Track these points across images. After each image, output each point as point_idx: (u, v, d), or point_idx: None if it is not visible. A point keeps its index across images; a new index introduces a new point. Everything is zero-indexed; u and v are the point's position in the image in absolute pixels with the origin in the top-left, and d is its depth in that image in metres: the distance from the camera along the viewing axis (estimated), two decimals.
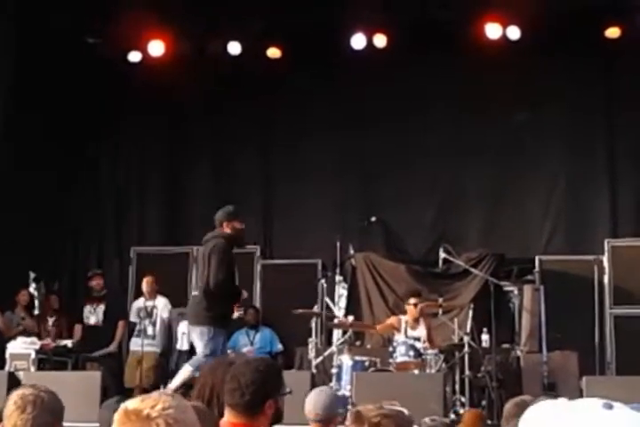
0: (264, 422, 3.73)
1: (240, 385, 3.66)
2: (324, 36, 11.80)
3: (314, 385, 7.99)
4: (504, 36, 11.63)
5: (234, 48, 12.14)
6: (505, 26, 11.59)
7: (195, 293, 8.98)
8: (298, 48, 12.05)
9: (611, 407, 1.47)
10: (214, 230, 8.74)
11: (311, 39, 11.81)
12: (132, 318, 11.13)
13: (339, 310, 11.13)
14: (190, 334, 8.88)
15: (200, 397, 3.93)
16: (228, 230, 8.65)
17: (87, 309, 11.18)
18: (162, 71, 11.97)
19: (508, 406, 4.35)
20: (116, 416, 2.11)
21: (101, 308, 11.16)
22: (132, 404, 2.11)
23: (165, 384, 10.47)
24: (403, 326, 10.01)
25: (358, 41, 11.91)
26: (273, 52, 12.29)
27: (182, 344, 10.65)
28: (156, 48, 12.14)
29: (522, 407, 4.12)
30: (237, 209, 8.88)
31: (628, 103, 12.10)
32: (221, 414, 3.76)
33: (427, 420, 5.38)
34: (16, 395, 3.43)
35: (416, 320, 10.14)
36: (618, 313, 10.76)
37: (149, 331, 10.91)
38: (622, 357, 10.49)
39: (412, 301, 9.77)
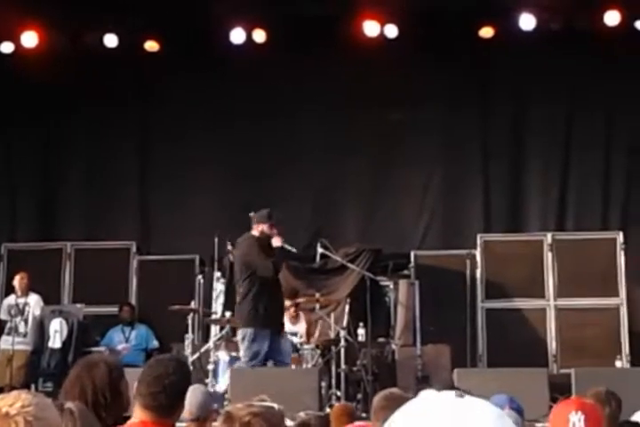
0: (176, 419, 3.75)
1: (164, 387, 3.64)
2: (203, 29, 11.72)
3: None
4: (382, 34, 11.77)
5: (110, 41, 11.93)
6: (383, 24, 11.73)
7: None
8: (176, 42, 11.93)
9: (462, 396, 1.51)
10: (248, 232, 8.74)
11: (190, 33, 11.71)
12: (3, 315, 10.84)
13: (217, 307, 11.08)
14: None
15: (79, 398, 3.84)
16: (256, 232, 8.62)
17: None
18: (35, 63, 11.67)
19: (377, 398, 4.41)
20: None
21: None
22: None
23: (36, 383, 10.24)
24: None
25: (237, 35, 11.87)
26: (151, 46, 12.12)
27: (54, 342, 10.42)
28: (30, 39, 11.82)
29: (390, 400, 4.18)
30: (271, 213, 8.82)
31: (501, 103, 12.43)
32: (110, 413, 3.69)
33: (301, 414, 5.43)
34: None
35: (296, 316, 10.21)
36: (489, 306, 11.02)
37: (21, 329, 10.65)
38: (493, 349, 10.76)
39: (287, 303, 9.92)
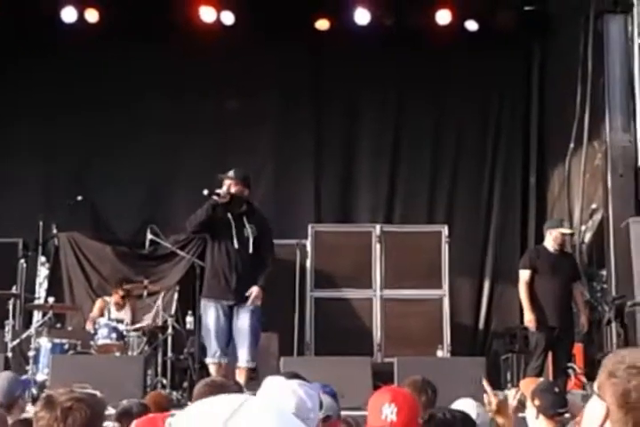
0: None
1: None
2: (34, 6, 11.32)
3: (8, 368, 7.69)
4: (218, 21, 11.68)
5: None
6: (219, 10, 11.64)
7: None
8: (6, 15, 11.48)
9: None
10: None
11: (21, 10, 11.29)
12: None
13: (41, 292, 10.76)
14: None
15: None
16: None
17: None
18: None
19: (198, 386, 4.39)
20: None
21: None
22: None
23: None
24: (108, 307, 9.87)
25: (69, 15, 11.52)
26: None
27: None
28: None
29: (211, 387, 4.16)
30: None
31: (334, 93, 12.57)
32: None
33: (124, 402, 5.34)
34: None
35: (122, 302, 10.03)
36: (318, 296, 11.12)
37: None
38: (321, 338, 10.87)
39: (121, 293, 9.73)
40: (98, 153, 12.04)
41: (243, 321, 8.18)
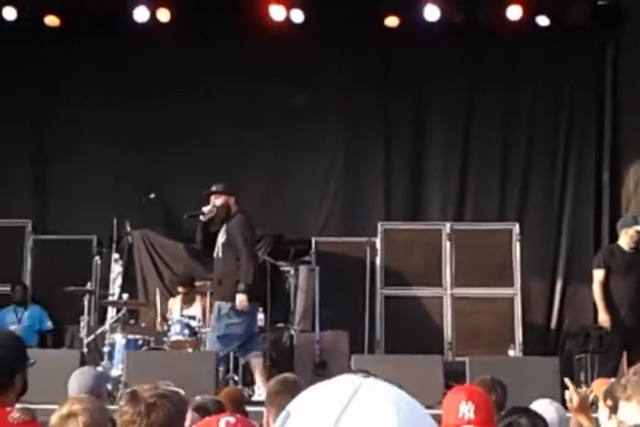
0: (12, 398, 3.61)
1: None
2: (106, 6, 11.47)
3: (83, 364, 7.82)
4: (288, 18, 11.72)
5: (9, 13, 11.57)
6: (288, 8, 11.69)
7: None
8: (77, 17, 11.66)
9: (366, 377, 1.49)
10: None
11: (91, 9, 11.45)
12: None
13: (114, 288, 10.91)
14: None
15: None
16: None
17: None
18: None
19: (271, 383, 4.41)
20: None
21: None
22: None
23: None
24: (177, 305, 9.97)
25: (141, 14, 11.66)
26: (51, 20, 11.80)
27: None
28: None
29: (285, 385, 4.18)
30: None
31: (404, 91, 12.53)
32: None
33: (197, 398, 5.38)
34: None
35: (192, 299, 10.12)
36: (388, 294, 11.10)
37: None
38: (391, 336, 10.84)
39: (181, 290, 9.82)
40: (170, 151, 12.16)
41: None
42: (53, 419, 3.14)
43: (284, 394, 3.92)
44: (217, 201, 8.78)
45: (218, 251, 8.77)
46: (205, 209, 8.75)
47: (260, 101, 12.22)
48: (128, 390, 3.23)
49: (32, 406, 3.90)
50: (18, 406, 3.62)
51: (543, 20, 11.88)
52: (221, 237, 8.72)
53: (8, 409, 3.53)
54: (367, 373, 1.55)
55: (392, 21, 11.97)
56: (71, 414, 3.09)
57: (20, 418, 3.46)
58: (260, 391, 8.33)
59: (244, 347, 8.76)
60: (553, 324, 11.85)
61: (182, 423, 3.30)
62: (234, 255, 8.72)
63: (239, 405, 5.69)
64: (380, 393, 1.45)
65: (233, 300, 8.49)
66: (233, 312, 8.62)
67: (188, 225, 12.11)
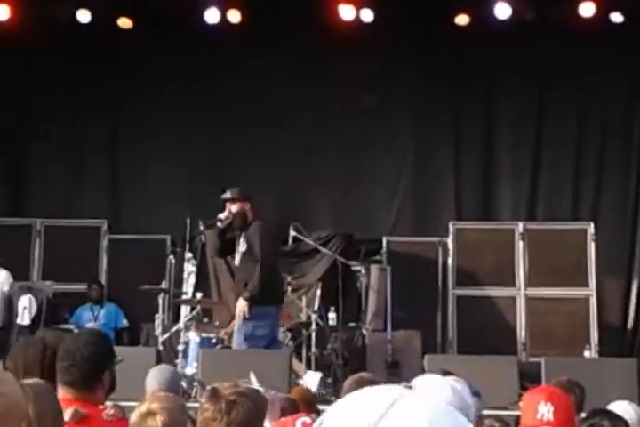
0: (101, 395, 3.67)
1: (76, 361, 3.57)
2: (177, 8, 11.60)
3: (159, 362, 7.90)
4: (357, 18, 11.72)
5: (83, 16, 11.77)
6: (358, 8, 11.68)
7: None
8: (149, 19, 11.81)
9: (411, 388, 1.47)
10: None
11: (163, 11, 11.59)
12: None
13: (187, 287, 11.03)
14: None
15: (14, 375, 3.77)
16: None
17: None
18: (7, 37, 11.48)
19: (347, 383, 4.41)
20: None
21: None
22: None
23: (4, 359, 10.13)
24: None
25: (212, 15, 11.77)
26: (124, 22, 11.97)
27: (23, 319, 10.32)
28: (1, 13, 11.62)
29: (360, 384, 4.17)
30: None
31: (474, 90, 12.45)
32: None
33: None
34: None
35: None
36: (460, 294, 11.04)
37: None
38: (463, 336, 10.79)
39: None
40: (241, 152, 12.25)
41: None
42: (133, 417, 3.19)
43: None
44: (232, 207, 8.68)
45: (237, 259, 8.73)
46: (222, 216, 8.71)
47: (330, 102, 12.24)
48: (209, 387, 3.27)
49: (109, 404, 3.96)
50: (108, 403, 3.69)
51: (617, 17, 11.69)
52: (242, 247, 8.68)
53: (101, 407, 3.59)
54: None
55: (462, 20, 11.89)
56: (150, 413, 3.13)
57: (114, 415, 3.52)
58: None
59: (268, 348, 8.80)
60: (629, 324, 11.66)
61: (262, 422, 3.32)
62: (251, 263, 8.74)
63: (311, 404, 5.70)
64: (417, 407, 1.40)
65: (258, 303, 8.51)
66: (259, 315, 8.63)
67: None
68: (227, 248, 8.81)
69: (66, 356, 3.61)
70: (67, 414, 3.33)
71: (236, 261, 8.76)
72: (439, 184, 12.36)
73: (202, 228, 10.25)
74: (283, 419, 4.00)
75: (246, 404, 3.05)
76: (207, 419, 3.08)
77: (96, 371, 3.60)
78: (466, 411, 2.95)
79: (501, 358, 8.84)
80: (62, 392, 3.57)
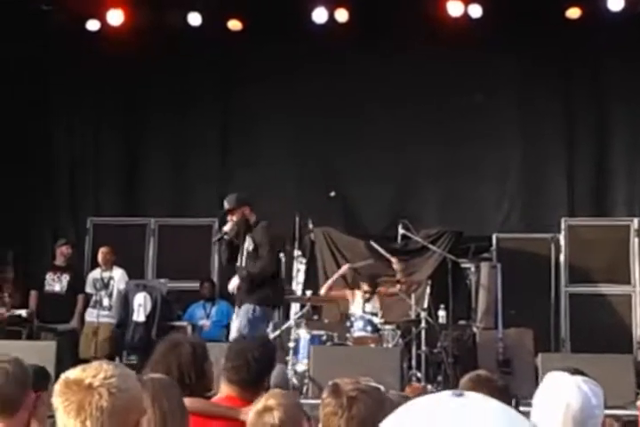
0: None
1: (247, 361, 3.66)
2: (286, 9, 11.69)
3: None
4: (465, 14, 11.61)
5: (194, 19, 12.00)
6: (466, 3, 11.58)
7: None
8: (259, 21, 11.94)
9: (461, 395, 1.46)
10: None
11: (272, 12, 11.70)
12: (88, 288, 11.03)
13: (297, 285, 11.11)
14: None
15: (165, 374, 3.87)
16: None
17: (49, 276, 11.02)
18: (120, 41, 11.79)
19: (464, 380, 4.33)
20: (57, 387, 2.06)
21: (65, 277, 11.04)
22: (72, 373, 2.07)
23: (120, 356, 10.44)
24: (359, 301, 10.00)
25: (320, 15, 11.83)
26: (234, 24, 12.15)
27: (139, 316, 10.60)
28: (115, 17, 11.93)
29: (477, 382, 4.10)
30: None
31: (584, 86, 12.20)
32: (195, 392, 3.69)
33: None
34: None
35: (372, 296, 10.16)
36: (573, 291, 10.84)
37: (105, 302, 10.82)
38: (576, 334, 10.59)
39: (366, 288, 9.83)
40: (349, 150, 12.28)
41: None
42: (250, 414, 3.24)
43: (476, 392, 3.86)
44: (234, 217, 8.65)
45: (243, 259, 8.69)
46: (226, 229, 8.70)
47: (439, 98, 12.16)
48: (330, 382, 3.28)
49: None
50: None
51: None
52: (250, 245, 8.66)
53: None
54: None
55: (574, 13, 11.67)
56: (267, 409, 3.18)
57: None
58: None
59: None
60: None
61: (382, 419, 3.30)
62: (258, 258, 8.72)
63: None
64: (477, 415, 1.39)
65: (261, 303, 8.49)
66: (260, 315, 8.61)
67: (369, 222, 12.25)
68: (235, 255, 8.79)
69: (237, 357, 3.71)
70: (247, 414, 3.44)
71: (243, 262, 8.66)
72: (550, 179, 12.16)
73: (311, 226, 10.33)
74: None
75: (367, 400, 3.06)
76: (329, 413, 3.10)
77: (263, 373, 3.70)
78: (589, 411, 2.88)
79: (617, 357, 8.64)
80: (226, 390, 3.68)
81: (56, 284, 11.01)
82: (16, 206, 12.19)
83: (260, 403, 3.22)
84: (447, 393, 1.48)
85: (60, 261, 11.17)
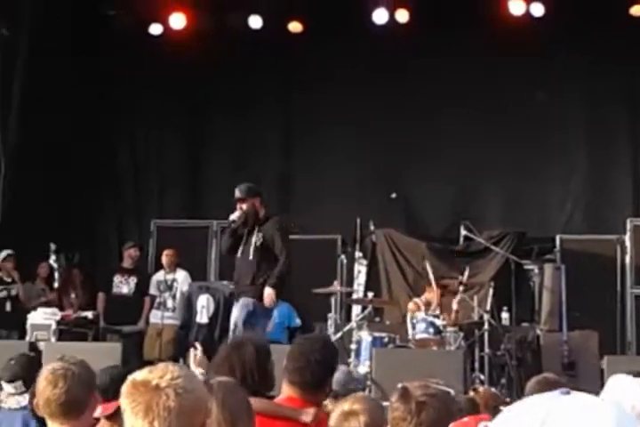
0: (322, 399, 3.76)
1: (310, 363, 3.68)
2: (346, 10, 11.70)
3: None
4: (527, 13, 11.51)
5: (255, 22, 12.07)
6: (528, 2, 11.47)
7: None
8: (319, 22, 11.97)
9: (568, 393, 1.45)
10: None
11: (333, 14, 11.72)
12: (152, 290, 11.16)
13: (358, 287, 11.09)
14: None
15: (229, 375, 3.89)
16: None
17: (117, 278, 11.19)
18: (183, 45, 11.91)
19: (531, 383, 4.28)
20: (124, 388, 2.09)
21: (133, 279, 11.20)
22: (140, 375, 2.09)
23: (184, 357, 10.52)
24: (421, 306, 9.95)
25: (380, 16, 11.82)
26: (294, 26, 12.20)
27: (202, 317, 10.68)
28: (178, 21, 12.06)
29: (544, 385, 4.05)
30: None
31: None
32: (257, 392, 3.72)
33: None
34: (47, 370, 3.39)
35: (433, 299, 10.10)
36: (639, 293, 10.67)
37: (169, 304, 10.94)
38: None
39: (435, 289, 9.77)
40: (410, 151, 12.24)
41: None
42: (334, 416, 3.23)
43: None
44: (243, 206, 8.70)
45: (249, 253, 8.68)
46: (234, 217, 8.72)
47: (501, 98, 12.07)
48: (399, 386, 3.25)
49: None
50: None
51: None
52: (257, 240, 8.64)
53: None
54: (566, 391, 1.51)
55: (638, 10, 11.49)
56: (352, 413, 3.18)
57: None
58: None
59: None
60: None
61: (450, 423, 3.26)
62: (269, 256, 8.65)
63: (494, 407, 5.61)
64: (591, 410, 1.39)
65: (260, 298, 8.49)
66: (261, 310, 8.60)
67: (430, 223, 12.19)
68: (236, 246, 8.80)
69: (300, 358, 3.73)
70: (308, 415, 3.45)
71: (250, 255, 8.69)
72: (615, 180, 11.99)
73: (372, 228, 10.31)
74: (465, 419, 3.96)
75: (436, 405, 3.03)
76: (397, 418, 3.08)
77: (325, 375, 3.71)
78: None
79: None
80: (288, 391, 3.70)
81: (124, 286, 11.17)
82: (83, 210, 12.38)
83: (344, 406, 3.21)
84: (555, 392, 1.49)
85: (127, 263, 11.32)
